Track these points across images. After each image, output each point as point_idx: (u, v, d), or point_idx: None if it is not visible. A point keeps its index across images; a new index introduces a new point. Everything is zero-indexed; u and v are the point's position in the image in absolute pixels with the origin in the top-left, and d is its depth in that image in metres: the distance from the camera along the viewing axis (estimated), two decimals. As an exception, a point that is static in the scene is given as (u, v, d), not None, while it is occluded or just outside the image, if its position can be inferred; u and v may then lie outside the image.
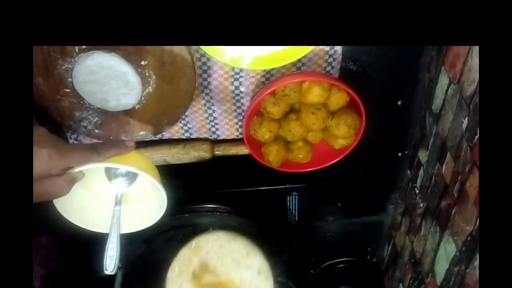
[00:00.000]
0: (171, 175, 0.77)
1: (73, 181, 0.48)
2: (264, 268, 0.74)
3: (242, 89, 0.68)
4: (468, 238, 0.62)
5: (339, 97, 0.65)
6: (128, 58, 0.59)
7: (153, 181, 0.55)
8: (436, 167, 0.71)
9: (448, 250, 0.68)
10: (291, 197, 0.76)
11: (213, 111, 0.71)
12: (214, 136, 0.75)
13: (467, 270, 0.62)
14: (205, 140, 0.74)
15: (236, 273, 0.74)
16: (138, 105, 0.65)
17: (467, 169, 0.61)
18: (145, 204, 0.62)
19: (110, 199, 0.60)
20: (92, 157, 0.49)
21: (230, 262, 0.74)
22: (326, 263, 1.01)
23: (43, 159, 0.44)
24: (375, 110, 0.68)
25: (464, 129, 0.61)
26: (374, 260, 1.04)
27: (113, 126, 0.68)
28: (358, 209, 0.94)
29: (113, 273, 0.57)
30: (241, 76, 0.66)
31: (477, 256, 0.59)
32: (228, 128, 0.74)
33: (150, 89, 0.63)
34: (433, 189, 0.73)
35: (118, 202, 0.57)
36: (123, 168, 0.53)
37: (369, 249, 1.03)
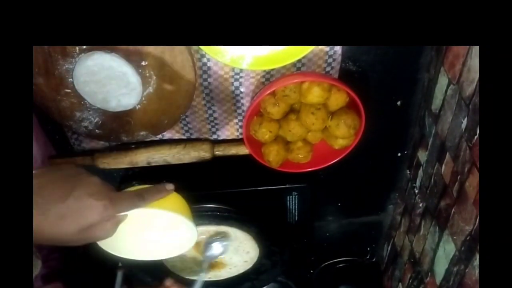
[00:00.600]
0: (171, 175, 0.78)
1: (118, 223, 0.51)
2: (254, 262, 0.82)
3: (242, 90, 0.68)
4: (468, 238, 0.62)
5: (338, 97, 0.65)
6: (128, 58, 0.60)
7: (188, 222, 0.58)
8: (435, 167, 0.71)
9: (447, 249, 0.68)
10: (291, 197, 0.76)
11: (213, 111, 0.71)
12: (214, 136, 0.75)
13: (467, 270, 0.62)
14: (205, 140, 0.74)
15: (231, 255, 0.80)
16: (139, 106, 0.65)
17: (466, 169, 0.61)
18: (174, 234, 0.63)
19: (142, 225, 0.60)
20: (139, 203, 0.52)
21: (232, 249, 0.78)
22: (326, 263, 1.01)
23: (99, 210, 0.47)
24: (375, 110, 0.68)
25: (463, 129, 0.61)
26: (374, 260, 1.04)
27: (114, 126, 0.68)
28: (358, 209, 0.95)
29: None
30: (241, 77, 0.66)
31: (477, 256, 0.59)
32: (228, 128, 0.74)
33: (150, 89, 0.63)
34: (433, 189, 0.73)
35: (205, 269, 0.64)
36: (161, 212, 0.56)
37: (368, 249, 1.03)
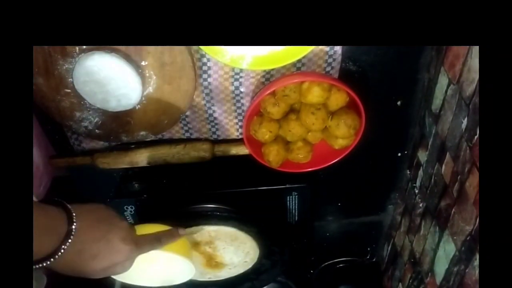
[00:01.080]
0: (171, 175, 0.78)
1: (134, 260, 0.56)
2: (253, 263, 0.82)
3: (242, 89, 0.68)
4: (468, 238, 0.62)
5: (338, 97, 0.65)
6: (128, 58, 0.60)
7: (189, 263, 0.64)
8: (435, 167, 0.71)
9: (447, 250, 0.68)
10: (291, 197, 0.76)
11: (213, 111, 0.71)
12: (214, 136, 0.75)
13: (467, 270, 0.62)
14: (205, 140, 0.74)
15: (231, 255, 0.81)
16: (139, 106, 0.65)
17: (466, 169, 0.61)
18: (174, 269, 0.66)
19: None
20: (156, 246, 0.58)
21: (232, 249, 0.79)
22: (326, 263, 1.01)
23: (126, 253, 0.52)
24: (375, 110, 0.68)
25: (463, 129, 0.61)
26: (374, 260, 1.04)
27: (114, 126, 0.68)
28: (358, 209, 0.95)
29: None
30: (241, 77, 0.66)
31: (477, 256, 0.59)
32: (228, 128, 0.74)
33: (150, 89, 0.63)
34: (433, 189, 0.73)
35: None
36: (171, 255, 0.62)
37: (368, 249, 1.03)
